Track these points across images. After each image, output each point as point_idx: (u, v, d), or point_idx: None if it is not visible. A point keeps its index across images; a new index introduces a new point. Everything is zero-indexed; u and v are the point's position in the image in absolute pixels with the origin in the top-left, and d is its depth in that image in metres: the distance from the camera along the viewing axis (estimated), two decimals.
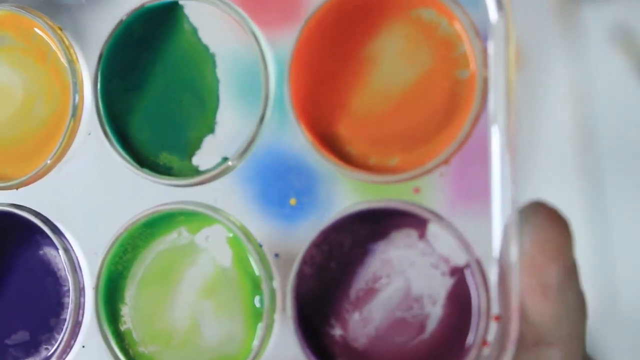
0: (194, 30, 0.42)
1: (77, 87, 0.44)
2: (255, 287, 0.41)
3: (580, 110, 1.05)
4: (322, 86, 0.40)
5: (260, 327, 0.40)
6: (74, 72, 0.44)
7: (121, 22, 0.42)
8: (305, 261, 0.39)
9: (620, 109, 1.07)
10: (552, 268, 0.36)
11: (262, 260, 0.40)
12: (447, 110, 0.39)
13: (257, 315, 0.41)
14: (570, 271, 0.36)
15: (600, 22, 1.07)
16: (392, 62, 0.39)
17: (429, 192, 0.39)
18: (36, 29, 0.44)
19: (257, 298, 0.41)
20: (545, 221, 0.36)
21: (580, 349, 0.38)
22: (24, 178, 0.44)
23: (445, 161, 0.38)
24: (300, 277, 0.40)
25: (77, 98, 0.44)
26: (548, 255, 0.36)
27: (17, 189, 0.45)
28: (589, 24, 1.06)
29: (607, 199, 1.09)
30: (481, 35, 0.38)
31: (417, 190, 0.38)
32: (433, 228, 0.38)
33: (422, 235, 0.38)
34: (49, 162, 0.44)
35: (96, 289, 0.42)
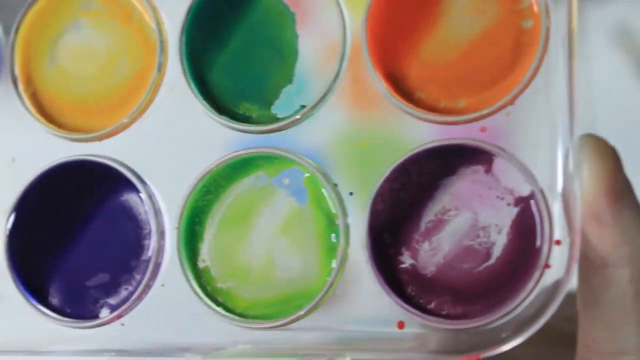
0: None
1: (163, 45, 0.53)
2: (330, 223, 0.49)
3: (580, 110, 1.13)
4: (397, 37, 0.49)
5: (335, 261, 0.48)
6: (160, 32, 0.53)
7: None
8: (378, 197, 0.48)
9: (620, 109, 1.14)
10: (601, 196, 0.44)
11: (338, 198, 0.49)
12: (511, 57, 0.48)
13: (330, 250, 0.49)
14: (622, 195, 0.44)
15: (600, 22, 1.14)
16: (461, 14, 0.48)
17: (494, 131, 0.47)
18: None
19: (332, 234, 0.49)
20: (591, 152, 0.44)
21: None
22: (108, 129, 0.53)
23: (511, 102, 0.47)
24: (374, 212, 0.48)
25: (162, 56, 0.53)
26: (595, 184, 0.44)
27: (99, 140, 0.53)
28: (589, 24, 1.14)
29: None
30: None
31: (483, 129, 0.47)
32: (499, 162, 0.47)
33: (488, 170, 0.47)
34: (125, 120, 0.53)
35: (178, 228, 0.51)
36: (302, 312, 0.49)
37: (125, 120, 0.53)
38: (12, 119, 0.56)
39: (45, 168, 0.54)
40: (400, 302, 0.48)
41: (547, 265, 0.46)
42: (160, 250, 0.52)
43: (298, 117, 0.51)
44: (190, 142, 0.53)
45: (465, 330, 0.47)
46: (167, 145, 0.53)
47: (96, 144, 0.54)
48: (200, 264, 0.51)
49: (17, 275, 0.54)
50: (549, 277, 0.46)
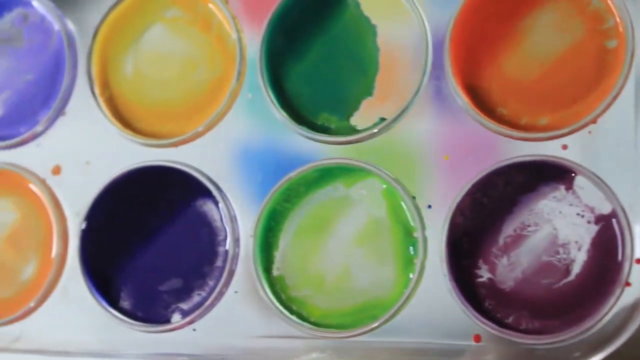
0: (357, 4, 0.52)
1: (242, 54, 0.54)
2: (407, 235, 0.50)
3: None
4: (479, 53, 0.50)
5: (413, 273, 0.49)
6: (240, 40, 0.54)
7: None
8: (458, 210, 0.49)
9: None
10: None
11: (416, 210, 0.50)
12: (594, 75, 0.49)
13: (407, 262, 0.50)
14: None
15: None
16: (545, 33, 0.50)
17: (576, 149, 0.48)
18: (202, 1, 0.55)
19: (410, 247, 0.50)
20: None
21: None
22: (185, 136, 0.54)
23: (593, 120, 0.48)
24: (453, 225, 0.49)
25: (241, 64, 0.54)
26: None
27: (175, 146, 0.54)
28: None
29: None
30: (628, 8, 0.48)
31: (565, 147, 0.48)
32: (580, 180, 0.48)
33: (569, 187, 0.48)
34: (202, 128, 0.54)
35: (254, 236, 0.51)
36: (377, 323, 0.50)
37: (202, 128, 0.54)
38: (88, 122, 0.57)
39: (121, 172, 0.55)
40: (478, 315, 0.48)
41: (627, 283, 0.47)
42: (234, 257, 0.53)
43: (377, 130, 0.51)
44: (266, 151, 0.54)
45: (542, 346, 0.48)
46: (244, 153, 0.54)
47: (172, 149, 0.55)
48: (275, 272, 0.52)
49: (89, 278, 0.55)
50: (628, 296, 0.47)
